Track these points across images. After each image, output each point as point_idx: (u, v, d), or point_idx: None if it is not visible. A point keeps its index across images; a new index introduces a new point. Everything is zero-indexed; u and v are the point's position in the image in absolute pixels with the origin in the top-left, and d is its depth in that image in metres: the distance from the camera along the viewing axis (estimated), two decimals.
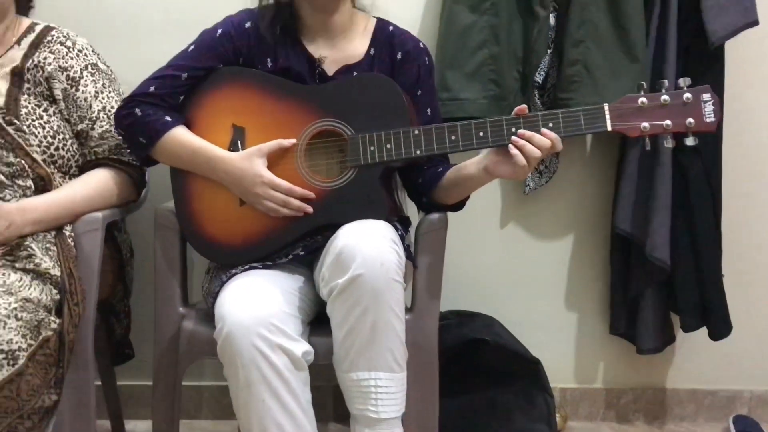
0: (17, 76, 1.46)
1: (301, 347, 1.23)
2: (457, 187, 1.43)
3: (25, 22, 1.54)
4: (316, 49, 1.46)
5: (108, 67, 1.57)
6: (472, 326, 1.79)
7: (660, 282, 1.83)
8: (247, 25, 1.46)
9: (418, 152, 1.33)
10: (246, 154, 1.37)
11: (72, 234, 1.41)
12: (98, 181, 1.47)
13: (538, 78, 1.78)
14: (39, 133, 1.44)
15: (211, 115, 1.43)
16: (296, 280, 1.38)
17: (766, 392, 2.03)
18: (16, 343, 1.17)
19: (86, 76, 1.50)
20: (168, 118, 1.41)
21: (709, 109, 1.26)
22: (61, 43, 1.50)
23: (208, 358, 1.38)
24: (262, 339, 1.19)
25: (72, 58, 1.50)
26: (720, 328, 1.84)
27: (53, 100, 1.48)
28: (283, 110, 1.40)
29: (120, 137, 1.48)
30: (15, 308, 1.20)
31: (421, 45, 1.51)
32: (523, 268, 1.96)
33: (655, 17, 1.75)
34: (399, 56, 1.48)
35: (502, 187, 1.93)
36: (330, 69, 1.46)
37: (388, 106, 1.36)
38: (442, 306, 1.47)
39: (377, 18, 1.52)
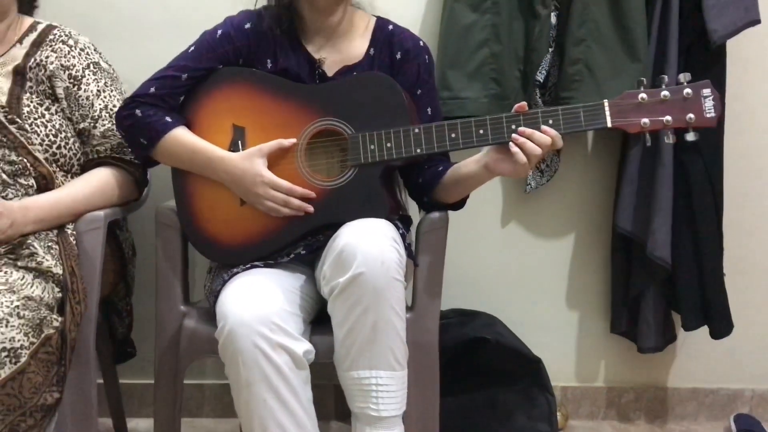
0: (19, 74, 1.46)
1: (303, 346, 1.23)
2: (457, 186, 1.43)
3: (27, 20, 1.54)
4: (316, 50, 1.46)
5: (110, 66, 1.57)
6: (473, 325, 1.79)
7: (661, 281, 1.83)
8: (247, 25, 1.46)
9: (418, 150, 1.33)
10: (246, 154, 1.37)
11: (74, 232, 1.41)
12: (100, 180, 1.47)
13: (540, 77, 1.77)
14: (41, 131, 1.44)
15: (211, 116, 1.43)
16: (297, 279, 1.38)
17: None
18: (19, 340, 1.18)
19: (88, 74, 1.50)
20: (168, 119, 1.41)
21: (709, 104, 1.25)
22: (63, 42, 1.50)
23: (209, 356, 1.38)
24: (264, 338, 1.19)
25: (74, 57, 1.50)
26: (721, 326, 1.83)
27: (55, 99, 1.48)
28: (283, 110, 1.40)
29: (121, 137, 1.48)
30: (17, 306, 1.20)
31: (421, 43, 1.51)
32: (524, 267, 1.96)
33: (657, 16, 1.74)
34: (399, 55, 1.47)
35: (503, 186, 1.93)
36: (330, 70, 1.46)
37: (388, 104, 1.36)
38: (442, 305, 1.47)
39: (377, 17, 1.52)
